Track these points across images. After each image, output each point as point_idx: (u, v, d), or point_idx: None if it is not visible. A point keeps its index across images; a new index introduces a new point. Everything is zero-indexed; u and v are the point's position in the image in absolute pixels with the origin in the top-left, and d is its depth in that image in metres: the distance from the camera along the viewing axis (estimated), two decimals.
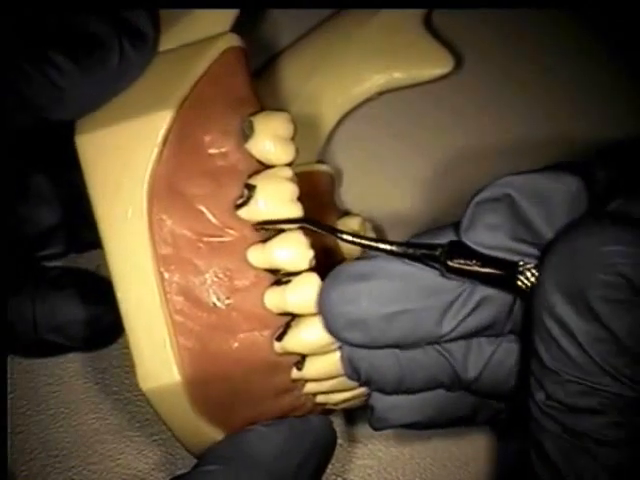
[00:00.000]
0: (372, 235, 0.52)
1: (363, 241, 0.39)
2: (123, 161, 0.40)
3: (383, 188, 0.55)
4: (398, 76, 0.54)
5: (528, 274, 0.35)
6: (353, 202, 0.55)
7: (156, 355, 0.40)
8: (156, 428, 0.53)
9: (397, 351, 0.39)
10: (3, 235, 0.46)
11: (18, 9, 0.40)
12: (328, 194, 0.53)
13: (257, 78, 0.54)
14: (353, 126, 0.56)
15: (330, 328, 0.39)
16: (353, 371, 0.40)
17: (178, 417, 0.41)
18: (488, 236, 0.36)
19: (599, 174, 0.37)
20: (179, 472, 0.52)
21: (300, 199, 0.40)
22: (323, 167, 0.53)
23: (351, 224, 0.51)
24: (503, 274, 0.36)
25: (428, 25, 0.55)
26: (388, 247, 0.38)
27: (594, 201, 0.36)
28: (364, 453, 0.53)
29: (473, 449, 0.52)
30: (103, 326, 0.48)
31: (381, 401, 0.42)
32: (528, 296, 0.36)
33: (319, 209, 0.50)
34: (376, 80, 0.54)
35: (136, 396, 0.53)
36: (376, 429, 0.43)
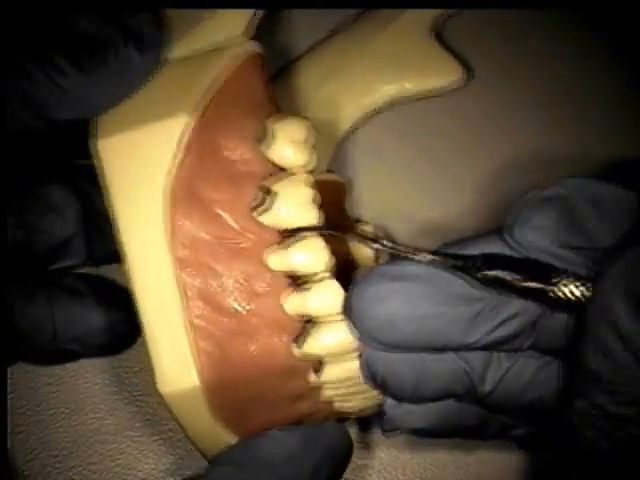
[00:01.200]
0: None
1: (399, 247, 0.39)
2: (142, 166, 0.40)
3: (395, 197, 0.55)
4: (409, 87, 0.54)
5: (572, 286, 0.35)
6: (364, 211, 0.55)
7: (175, 359, 0.40)
8: (156, 428, 0.53)
9: (414, 358, 0.40)
10: (5, 240, 0.45)
11: (22, 9, 0.40)
12: (339, 203, 0.53)
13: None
14: (364, 135, 0.56)
15: (359, 327, 0.39)
16: (370, 375, 0.41)
17: (195, 421, 0.41)
18: (534, 236, 0.36)
19: None
20: (179, 472, 0.52)
21: (321, 205, 0.41)
22: (334, 176, 0.53)
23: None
24: (541, 286, 0.36)
25: (439, 36, 0.55)
26: (424, 256, 0.38)
27: None
28: (364, 453, 0.53)
29: (473, 450, 0.53)
30: (121, 334, 0.47)
31: (394, 407, 0.42)
32: (569, 307, 0.36)
33: (331, 218, 0.50)
34: (386, 91, 0.54)
35: (136, 396, 0.53)
36: (386, 432, 0.43)
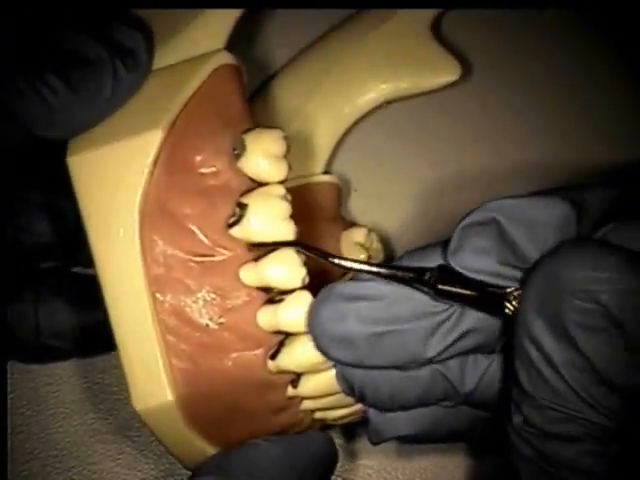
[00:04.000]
0: (378, 247, 0.52)
1: (353, 265, 0.38)
2: (114, 182, 0.40)
3: (390, 199, 0.55)
4: (404, 85, 0.53)
5: (513, 301, 0.35)
6: (360, 213, 0.55)
7: (149, 375, 0.40)
8: None
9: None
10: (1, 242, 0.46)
11: (14, 22, 0.40)
12: (334, 205, 0.53)
13: (261, 91, 0.54)
14: (360, 136, 0.55)
15: (318, 346, 0.39)
16: (347, 386, 0.40)
17: (173, 436, 0.41)
18: (475, 260, 0.36)
19: (596, 200, 0.36)
20: (179, 472, 0.52)
21: (293, 217, 0.40)
22: (329, 178, 0.53)
23: (356, 236, 0.51)
24: (491, 299, 0.36)
25: (435, 33, 0.54)
26: (378, 270, 0.38)
27: (587, 227, 0.36)
28: (364, 453, 0.53)
29: (474, 451, 0.52)
30: (105, 334, 0.47)
31: (378, 415, 0.42)
32: (512, 321, 0.35)
33: (324, 221, 0.50)
34: (382, 89, 0.53)
35: None
36: (374, 443, 0.43)
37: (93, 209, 0.40)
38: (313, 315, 0.39)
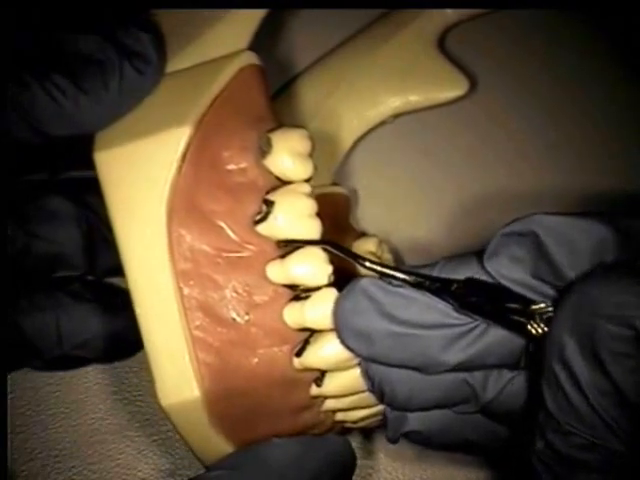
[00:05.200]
0: (389, 257, 0.52)
1: (382, 268, 0.39)
2: (142, 177, 0.40)
3: (400, 210, 0.55)
4: (413, 99, 0.54)
5: (539, 320, 0.35)
6: (370, 224, 0.55)
7: (176, 371, 0.40)
8: (156, 428, 0.53)
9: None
10: (4, 247, 0.45)
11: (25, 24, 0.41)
12: (344, 216, 0.53)
13: (275, 99, 0.54)
14: (370, 147, 0.56)
15: (339, 336, 0.39)
16: (368, 380, 0.41)
17: (197, 433, 0.41)
18: (509, 267, 0.36)
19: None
20: (179, 472, 0.52)
21: (319, 215, 0.40)
22: (339, 189, 0.53)
23: (367, 245, 0.51)
24: (514, 317, 0.36)
25: (442, 47, 0.55)
26: (405, 277, 0.38)
27: (630, 254, 0.35)
28: (364, 453, 0.53)
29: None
30: (127, 339, 0.47)
31: (393, 412, 0.42)
32: (538, 341, 0.35)
33: (335, 231, 0.50)
34: (391, 103, 0.54)
35: (136, 396, 0.53)
36: (392, 441, 0.43)
37: (120, 204, 0.40)
38: (336, 306, 0.39)
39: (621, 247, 0.35)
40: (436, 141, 0.57)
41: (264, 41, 0.44)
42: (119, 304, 0.47)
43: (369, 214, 0.56)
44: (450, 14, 0.55)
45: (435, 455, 0.53)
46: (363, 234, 0.53)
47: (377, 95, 0.54)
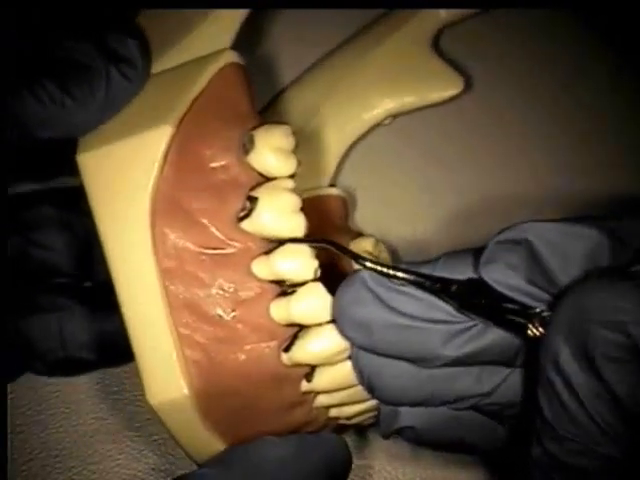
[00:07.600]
0: (386, 257, 0.52)
1: (383, 268, 0.39)
2: (125, 178, 0.40)
3: (398, 210, 0.55)
4: (408, 100, 0.54)
5: (537, 322, 0.35)
6: (367, 225, 0.55)
7: (163, 369, 0.40)
8: (156, 428, 0.53)
9: (403, 362, 0.39)
10: (5, 249, 0.46)
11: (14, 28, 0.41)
12: (341, 217, 0.53)
13: (270, 104, 0.55)
14: (368, 147, 0.56)
15: (338, 325, 0.39)
16: (358, 372, 0.40)
17: (188, 431, 0.41)
18: (505, 274, 0.36)
19: (636, 231, 0.36)
20: (179, 472, 0.52)
21: (303, 210, 0.40)
22: (335, 191, 0.53)
23: (365, 245, 0.51)
24: (513, 319, 0.36)
25: (436, 47, 0.55)
26: (406, 276, 0.38)
27: (624, 258, 0.35)
28: (364, 453, 0.53)
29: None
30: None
31: (386, 406, 0.42)
32: (535, 343, 0.35)
33: (332, 232, 0.50)
34: (386, 104, 0.54)
35: (135, 396, 0.53)
36: (384, 436, 0.43)
37: (104, 205, 0.40)
38: (336, 296, 0.39)
39: (615, 252, 0.35)
40: (434, 141, 0.57)
41: (252, 41, 0.44)
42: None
43: (367, 214, 0.56)
44: (443, 15, 0.55)
45: (435, 455, 0.53)
46: (360, 234, 0.53)
47: (371, 97, 0.54)
